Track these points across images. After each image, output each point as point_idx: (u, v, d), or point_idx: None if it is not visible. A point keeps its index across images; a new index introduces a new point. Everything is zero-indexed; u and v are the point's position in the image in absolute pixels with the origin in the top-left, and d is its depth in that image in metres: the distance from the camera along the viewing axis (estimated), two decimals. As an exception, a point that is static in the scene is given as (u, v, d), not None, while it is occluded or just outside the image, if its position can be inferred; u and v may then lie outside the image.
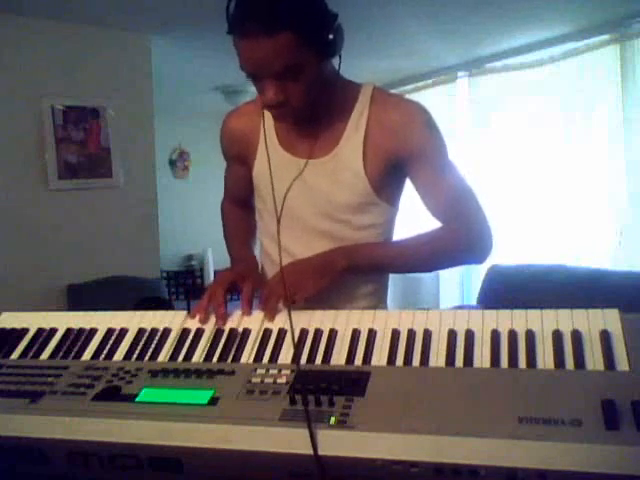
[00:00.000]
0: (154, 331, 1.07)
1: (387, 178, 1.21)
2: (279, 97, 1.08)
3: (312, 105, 1.14)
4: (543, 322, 0.91)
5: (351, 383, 0.84)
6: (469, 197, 1.21)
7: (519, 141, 4.37)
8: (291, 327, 0.99)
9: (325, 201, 1.22)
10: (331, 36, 1.07)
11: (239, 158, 1.34)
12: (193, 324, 1.08)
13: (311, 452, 0.74)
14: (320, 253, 1.15)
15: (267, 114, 1.24)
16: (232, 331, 1.04)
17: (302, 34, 1.02)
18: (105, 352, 1.04)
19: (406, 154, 1.18)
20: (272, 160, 1.23)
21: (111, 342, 1.07)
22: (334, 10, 1.10)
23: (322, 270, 1.12)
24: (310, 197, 1.23)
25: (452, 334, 0.92)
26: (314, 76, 1.08)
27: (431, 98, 4.95)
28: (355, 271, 1.17)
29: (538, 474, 0.67)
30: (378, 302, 1.31)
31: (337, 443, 0.74)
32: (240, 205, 1.47)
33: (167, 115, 4.86)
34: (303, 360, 0.94)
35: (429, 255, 1.20)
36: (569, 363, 0.84)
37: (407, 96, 1.31)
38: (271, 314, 1.05)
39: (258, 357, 0.97)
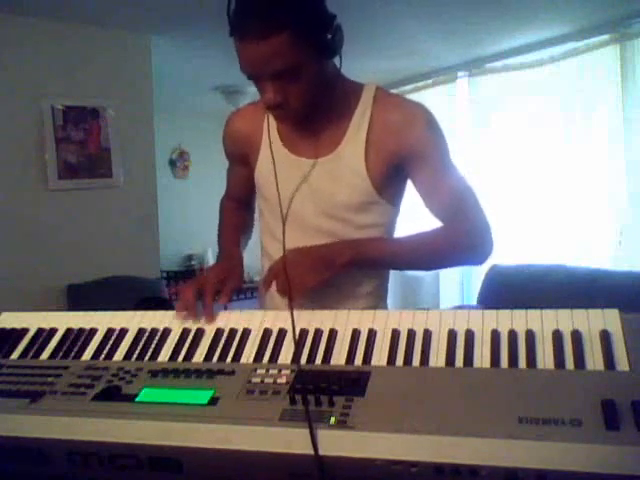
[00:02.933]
0: (154, 331, 1.07)
1: (389, 178, 1.21)
2: (279, 98, 1.08)
3: (312, 106, 1.14)
4: (543, 322, 0.91)
5: (351, 383, 0.84)
6: (470, 198, 1.21)
7: (519, 141, 4.37)
8: (292, 323, 0.98)
9: (327, 200, 1.22)
10: (330, 36, 1.07)
11: (241, 159, 1.35)
12: (193, 324, 1.08)
13: (311, 452, 0.74)
14: (324, 244, 1.14)
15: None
16: (232, 331, 1.04)
17: (300, 35, 1.02)
18: (105, 352, 1.04)
19: (407, 154, 1.18)
20: (275, 160, 1.23)
21: (111, 342, 1.06)
22: (335, 10, 1.10)
23: (325, 263, 1.11)
24: (312, 196, 1.23)
25: (452, 334, 0.92)
26: (313, 77, 1.09)
27: (431, 98, 4.94)
28: (358, 265, 1.16)
29: (538, 474, 0.67)
30: (378, 301, 1.31)
31: (337, 443, 0.74)
32: (239, 204, 1.47)
33: (167, 115, 4.87)
34: (303, 360, 0.94)
35: (431, 254, 1.20)
36: (569, 363, 0.84)
37: (407, 96, 1.31)
38: (268, 288, 1.09)
39: (258, 357, 0.97)
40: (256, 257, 1.40)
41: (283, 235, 1.21)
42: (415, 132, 1.18)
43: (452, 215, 1.19)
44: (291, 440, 0.75)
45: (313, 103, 1.13)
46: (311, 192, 1.23)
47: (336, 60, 1.15)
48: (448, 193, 1.19)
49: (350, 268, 1.14)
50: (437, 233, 1.20)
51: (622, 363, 0.82)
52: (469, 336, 0.91)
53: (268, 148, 1.24)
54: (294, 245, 1.23)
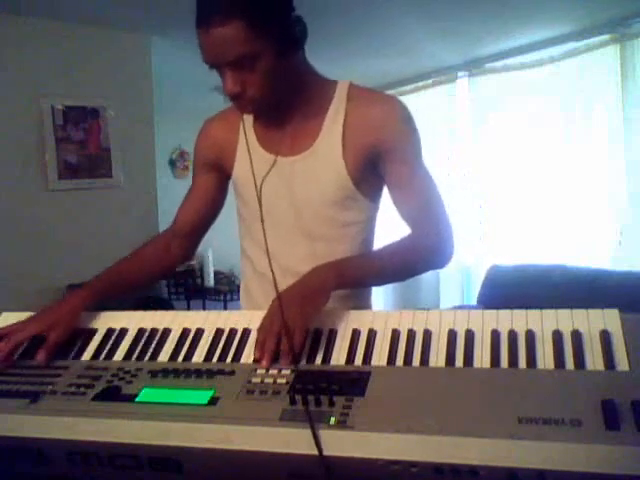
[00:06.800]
0: (154, 331, 1.07)
1: (367, 173, 1.21)
2: (236, 88, 1.08)
3: (274, 97, 1.13)
4: (543, 322, 0.91)
5: (351, 383, 0.84)
6: (437, 200, 1.22)
7: (519, 141, 4.37)
8: (287, 331, 0.98)
9: (305, 197, 1.21)
10: (289, 29, 1.07)
11: (216, 164, 1.33)
12: (193, 324, 1.08)
13: (310, 452, 0.74)
14: (306, 276, 1.07)
15: (246, 115, 1.24)
16: (232, 331, 1.04)
17: (254, 23, 1.02)
18: (105, 352, 1.04)
19: (382, 147, 1.18)
20: (253, 160, 1.22)
21: (111, 342, 1.07)
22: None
23: (315, 297, 1.03)
24: (290, 194, 1.22)
25: (452, 334, 0.92)
26: (271, 67, 1.08)
27: (431, 98, 4.94)
28: (341, 288, 1.11)
29: (538, 474, 0.67)
30: (358, 302, 1.28)
31: (337, 443, 0.74)
32: (181, 238, 1.38)
33: (167, 115, 4.86)
34: (303, 360, 0.94)
35: (402, 266, 1.19)
36: (569, 363, 0.84)
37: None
38: (268, 358, 0.93)
39: (258, 357, 0.97)
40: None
41: (263, 226, 1.20)
42: (390, 125, 1.18)
43: (418, 217, 1.20)
44: (291, 440, 0.75)
45: (274, 95, 1.13)
46: (291, 190, 1.22)
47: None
48: (416, 190, 1.20)
49: (336, 289, 1.08)
50: (405, 245, 1.19)
51: (622, 363, 0.82)
52: (469, 336, 0.91)
53: (245, 149, 1.24)
54: (274, 246, 1.20)
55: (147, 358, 1.02)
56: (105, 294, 1.19)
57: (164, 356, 1.01)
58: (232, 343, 1.01)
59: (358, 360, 0.92)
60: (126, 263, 1.31)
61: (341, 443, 0.74)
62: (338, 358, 0.94)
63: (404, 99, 1.24)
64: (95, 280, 1.21)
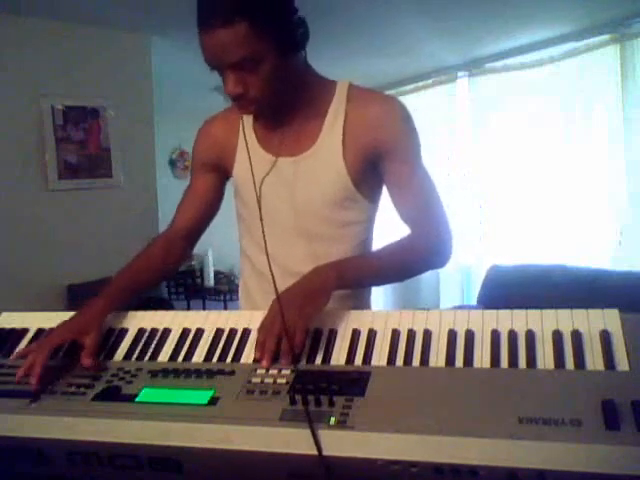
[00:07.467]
0: (154, 331, 1.07)
1: (366, 173, 1.21)
2: (238, 89, 1.08)
3: (276, 98, 1.14)
4: (543, 322, 0.91)
5: (351, 383, 0.84)
6: (436, 202, 1.22)
7: (519, 141, 4.37)
8: (287, 334, 0.98)
9: (305, 198, 1.22)
10: (291, 30, 1.07)
11: (215, 164, 1.33)
12: (193, 324, 1.08)
13: (310, 452, 0.74)
14: (307, 276, 1.07)
15: (246, 116, 1.24)
16: (232, 331, 1.04)
17: (257, 25, 1.02)
18: (105, 352, 1.04)
19: (382, 147, 1.18)
20: (253, 161, 1.22)
21: (111, 342, 1.07)
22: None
23: (316, 297, 1.02)
24: (290, 195, 1.22)
25: (452, 334, 0.92)
26: (273, 69, 1.08)
27: (431, 98, 4.94)
28: (342, 289, 1.11)
29: (538, 474, 0.67)
30: (357, 303, 1.27)
31: (337, 443, 0.74)
32: (179, 238, 1.36)
33: (167, 115, 4.86)
34: (303, 360, 0.94)
35: (402, 267, 1.20)
36: (569, 363, 0.84)
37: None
38: (268, 358, 0.93)
39: (258, 357, 0.97)
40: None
41: (262, 230, 1.19)
42: (390, 125, 1.18)
43: (417, 217, 1.20)
44: (291, 440, 0.75)
45: (275, 96, 1.13)
46: (291, 191, 1.22)
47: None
48: (415, 190, 1.20)
49: (336, 289, 1.08)
50: (405, 245, 1.19)
51: (622, 363, 0.82)
52: (469, 336, 0.91)
53: (245, 150, 1.23)
54: (273, 246, 1.19)
55: (147, 358, 1.02)
56: (120, 301, 1.17)
57: (164, 356, 1.02)
58: (232, 343, 1.01)
59: (358, 360, 0.92)
60: (135, 266, 1.29)
61: (341, 443, 0.74)
62: (338, 358, 0.94)
63: (404, 99, 1.24)
64: (108, 288, 1.18)
